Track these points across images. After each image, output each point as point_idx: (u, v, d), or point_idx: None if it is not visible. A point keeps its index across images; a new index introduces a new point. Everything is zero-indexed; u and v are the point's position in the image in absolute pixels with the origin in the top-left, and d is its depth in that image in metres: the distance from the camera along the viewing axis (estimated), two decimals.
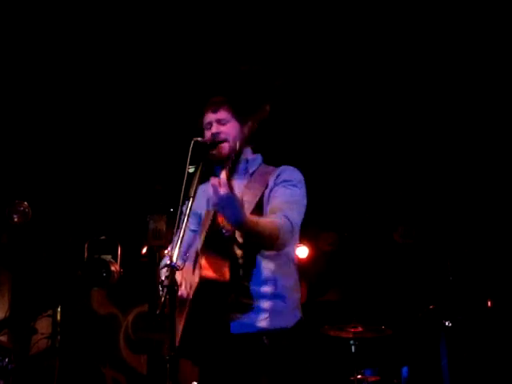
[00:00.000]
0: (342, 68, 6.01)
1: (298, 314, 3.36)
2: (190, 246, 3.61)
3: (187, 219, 3.03)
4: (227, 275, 3.08)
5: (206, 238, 3.14)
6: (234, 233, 3.20)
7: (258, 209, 3.24)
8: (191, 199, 3.10)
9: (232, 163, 2.94)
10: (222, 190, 2.84)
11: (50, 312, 7.56)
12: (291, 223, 3.20)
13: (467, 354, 6.62)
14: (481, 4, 5.16)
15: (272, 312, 3.24)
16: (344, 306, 7.39)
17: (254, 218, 3.06)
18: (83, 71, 5.93)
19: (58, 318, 7.50)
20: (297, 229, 3.31)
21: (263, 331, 3.22)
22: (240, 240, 3.21)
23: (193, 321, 3.17)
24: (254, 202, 3.13)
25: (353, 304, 7.27)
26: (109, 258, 7.28)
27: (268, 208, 3.29)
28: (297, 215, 3.29)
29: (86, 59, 5.78)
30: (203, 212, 3.60)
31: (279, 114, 6.22)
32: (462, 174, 7.15)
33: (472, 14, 5.25)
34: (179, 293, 3.13)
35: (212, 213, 3.12)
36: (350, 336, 6.43)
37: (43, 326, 7.53)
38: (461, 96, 6.27)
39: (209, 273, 3.06)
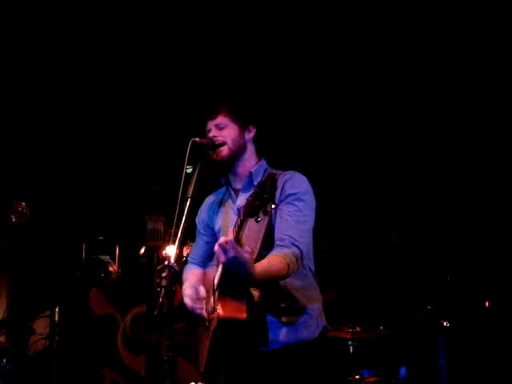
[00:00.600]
0: (342, 67, 6.01)
1: (321, 323, 3.38)
2: (203, 257, 3.65)
3: (185, 220, 3.05)
4: (244, 314, 3.09)
5: (220, 279, 3.14)
6: None
7: (269, 231, 3.23)
8: (189, 199, 3.11)
9: (238, 224, 2.97)
10: (230, 253, 2.85)
11: (47, 312, 7.56)
12: (300, 251, 3.23)
13: (465, 354, 6.62)
14: (481, 4, 5.16)
15: (295, 325, 3.27)
16: (342, 306, 7.37)
17: (263, 269, 3.07)
18: (82, 72, 5.93)
19: (56, 318, 7.49)
20: (308, 247, 3.36)
21: (289, 345, 3.24)
22: None
23: (216, 349, 3.22)
24: (265, 224, 3.12)
25: (351, 304, 7.26)
26: (107, 258, 7.28)
27: (276, 231, 3.28)
28: (305, 235, 3.31)
29: (84, 61, 5.78)
30: (215, 225, 3.63)
31: (279, 115, 6.26)
32: (460, 176, 7.15)
33: (472, 14, 5.25)
34: (199, 311, 3.25)
35: None
36: (348, 336, 6.43)
37: (41, 326, 7.53)
38: (459, 98, 6.27)
39: (227, 314, 3.09)
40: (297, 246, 3.21)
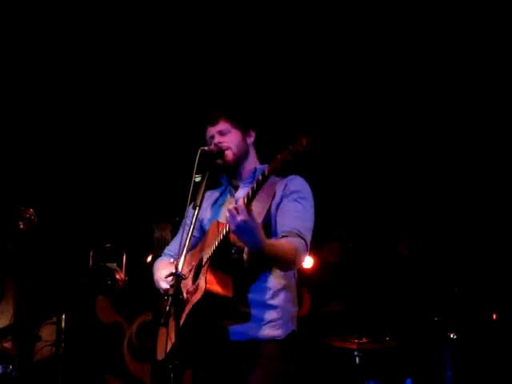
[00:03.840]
0: (349, 77, 6.01)
1: (292, 326, 3.35)
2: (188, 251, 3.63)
3: (193, 228, 3.05)
4: (231, 292, 3.11)
5: (214, 252, 3.14)
6: (242, 251, 3.22)
7: (267, 221, 3.25)
8: (197, 208, 3.12)
9: (253, 189, 2.95)
10: (240, 217, 2.87)
11: (54, 319, 7.56)
12: (306, 243, 3.24)
13: (472, 366, 6.59)
14: (481, 4, 5.15)
15: (265, 322, 3.25)
16: (348, 316, 7.37)
17: (273, 243, 3.10)
18: (91, 82, 5.95)
19: (63, 325, 7.49)
20: (309, 245, 3.33)
21: (255, 339, 3.23)
22: (246, 258, 3.24)
23: (190, 326, 3.18)
24: (263, 213, 3.13)
25: (357, 315, 7.25)
26: (114, 265, 7.28)
27: (280, 224, 3.28)
28: (309, 232, 3.31)
29: (92, 71, 5.81)
30: (205, 218, 3.61)
31: (284, 123, 6.26)
32: (468, 188, 7.14)
33: (472, 14, 5.24)
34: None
35: (224, 229, 3.11)
36: (354, 347, 6.42)
37: (47, 333, 7.53)
38: (470, 107, 6.26)
39: (214, 287, 3.08)
40: (302, 238, 3.22)
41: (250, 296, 3.26)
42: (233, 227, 2.92)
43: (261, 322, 3.24)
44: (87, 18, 5.18)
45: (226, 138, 3.49)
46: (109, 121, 6.54)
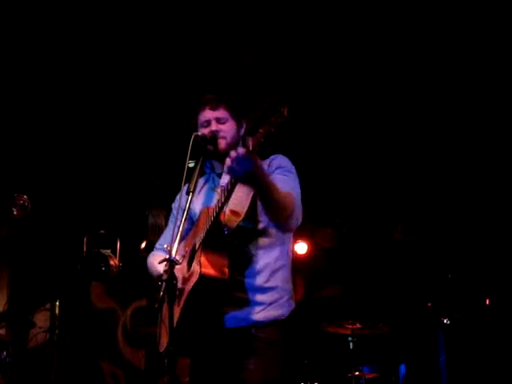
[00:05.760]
0: (342, 64, 6.00)
1: (293, 304, 3.37)
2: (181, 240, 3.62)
3: (186, 214, 3.04)
4: (227, 273, 3.09)
5: (206, 235, 3.13)
6: (234, 231, 3.20)
7: (254, 203, 3.23)
8: (191, 194, 3.11)
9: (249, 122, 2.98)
10: (240, 150, 2.86)
11: (48, 306, 7.57)
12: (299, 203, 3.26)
13: (465, 351, 6.62)
14: (481, 4, 5.16)
15: (266, 304, 3.25)
16: (342, 302, 7.38)
17: (272, 180, 3.09)
18: (81, 64, 5.92)
19: (57, 311, 7.51)
20: (298, 222, 3.32)
21: (258, 324, 3.23)
22: (239, 237, 3.22)
23: (188, 314, 3.17)
24: (251, 194, 3.13)
25: (351, 301, 7.27)
26: (108, 252, 7.28)
27: None
28: (299, 198, 3.31)
29: (82, 51, 5.77)
30: (193, 208, 3.59)
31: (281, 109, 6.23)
32: (461, 172, 7.15)
33: (472, 14, 5.25)
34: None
35: (213, 211, 3.12)
36: (348, 333, 6.44)
37: (41, 319, 7.54)
38: (460, 92, 6.27)
39: (209, 270, 3.06)
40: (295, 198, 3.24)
41: (247, 280, 3.25)
42: (233, 158, 2.88)
43: (261, 305, 3.24)
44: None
45: (224, 126, 3.47)
46: (103, 107, 6.53)
